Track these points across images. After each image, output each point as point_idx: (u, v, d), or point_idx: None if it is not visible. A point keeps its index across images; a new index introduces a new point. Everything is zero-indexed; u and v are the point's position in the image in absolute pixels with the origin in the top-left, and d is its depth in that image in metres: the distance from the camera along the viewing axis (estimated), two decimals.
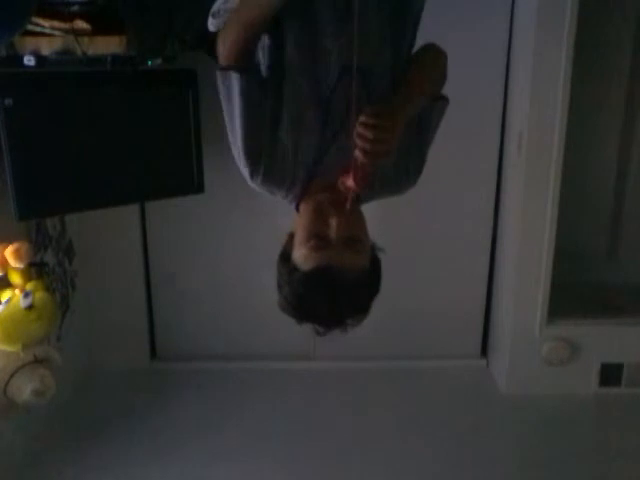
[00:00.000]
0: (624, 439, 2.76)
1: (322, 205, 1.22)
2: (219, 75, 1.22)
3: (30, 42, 2.24)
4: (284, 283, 1.22)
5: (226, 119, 1.27)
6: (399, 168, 1.34)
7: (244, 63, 1.21)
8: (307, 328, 1.25)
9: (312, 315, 1.21)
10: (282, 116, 1.24)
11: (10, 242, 2.13)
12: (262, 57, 1.25)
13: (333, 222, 1.17)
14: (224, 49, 1.20)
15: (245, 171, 1.28)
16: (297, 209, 1.30)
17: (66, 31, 2.21)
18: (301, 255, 1.19)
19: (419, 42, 1.36)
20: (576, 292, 3.15)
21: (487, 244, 3.28)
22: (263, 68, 1.25)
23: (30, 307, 2.06)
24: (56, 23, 2.20)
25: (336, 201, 1.21)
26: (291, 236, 1.25)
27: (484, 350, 3.43)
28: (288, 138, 1.25)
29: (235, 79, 1.20)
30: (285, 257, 1.24)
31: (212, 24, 1.61)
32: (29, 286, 2.16)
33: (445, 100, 1.36)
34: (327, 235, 1.17)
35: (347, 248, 1.17)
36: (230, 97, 1.23)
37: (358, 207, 1.29)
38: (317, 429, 2.82)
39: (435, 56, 1.35)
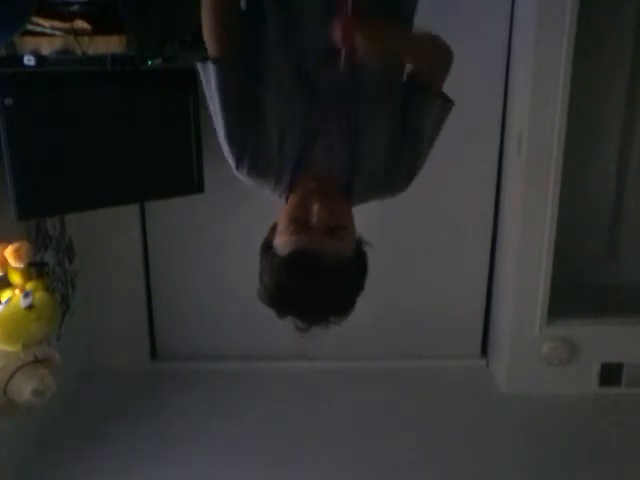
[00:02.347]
0: (624, 439, 2.76)
1: (306, 193, 1.20)
2: (200, 68, 1.22)
3: (30, 42, 2.24)
4: (264, 271, 1.20)
5: (211, 111, 1.27)
6: (389, 170, 1.31)
7: (226, 53, 1.20)
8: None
9: (291, 305, 1.17)
10: (266, 107, 1.23)
11: (10, 242, 2.13)
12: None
13: (315, 208, 1.15)
14: (206, 40, 1.21)
15: (231, 163, 1.28)
16: (286, 202, 1.29)
17: (66, 31, 2.22)
18: (281, 241, 1.17)
19: None
20: (576, 292, 3.15)
21: (487, 244, 3.28)
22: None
23: (30, 307, 2.06)
24: (56, 23, 2.20)
25: (320, 190, 1.19)
26: (274, 226, 1.23)
27: (484, 350, 3.43)
28: (273, 129, 1.24)
29: (213, 71, 1.20)
30: (266, 246, 1.22)
31: None
32: (29, 286, 2.15)
33: (446, 101, 1.30)
34: (308, 221, 1.15)
35: (328, 234, 1.14)
36: (210, 89, 1.23)
37: (344, 199, 1.26)
38: (317, 429, 2.81)
39: (437, 40, 1.27)
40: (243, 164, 1.27)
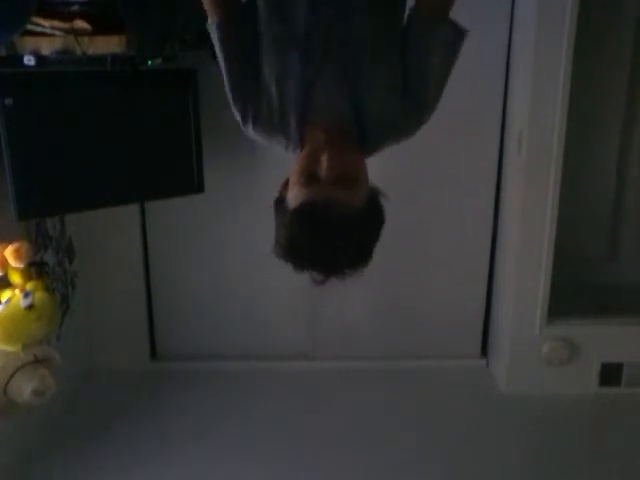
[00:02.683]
0: (624, 439, 2.76)
1: (315, 144, 1.19)
2: (207, 26, 1.29)
3: (30, 42, 2.24)
4: (277, 227, 1.21)
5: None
6: (398, 113, 1.26)
7: (224, 16, 1.25)
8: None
9: (305, 257, 1.16)
10: (262, 59, 1.26)
11: (10, 242, 2.13)
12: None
13: (323, 159, 1.15)
14: (205, 5, 1.26)
15: (238, 118, 1.31)
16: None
17: (66, 31, 2.22)
18: (292, 195, 1.17)
19: None
20: (576, 292, 3.14)
21: (487, 244, 3.28)
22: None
23: (30, 307, 2.06)
24: (56, 23, 2.20)
25: (329, 140, 1.18)
26: (286, 182, 1.23)
27: (484, 350, 3.43)
28: (271, 81, 1.25)
29: (213, 30, 1.27)
30: (279, 201, 1.22)
31: None
32: (29, 286, 2.15)
33: (456, 31, 1.27)
34: (317, 172, 1.15)
35: (337, 185, 1.14)
36: (215, 47, 1.29)
37: (355, 149, 1.24)
38: (317, 429, 2.81)
39: None
40: (247, 119, 1.29)
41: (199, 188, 2.68)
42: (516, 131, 2.96)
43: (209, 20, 1.28)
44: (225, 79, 1.30)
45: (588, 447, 2.75)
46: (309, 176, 1.15)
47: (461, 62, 1.34)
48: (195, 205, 2.89)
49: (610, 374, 3.08)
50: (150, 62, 2.49)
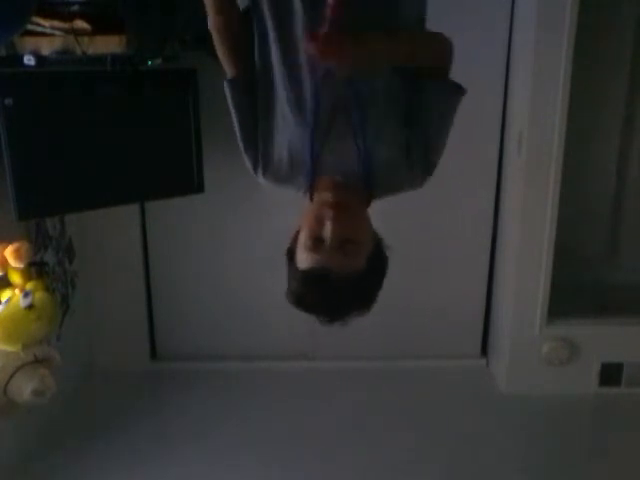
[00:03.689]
0: (624, 439, 2.76)
1: (322, 206, 1.25)
2: (225, 85, 1.34)
3: (30, 42, 2.24)
4: (289, 277, 1.31)
5: None
6: (405, 169, 1.33)
7: (238, 70, 1.30)
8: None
9: (311, 309, 1.29)
10: (274, 121, 1.30)
11: (10, 242, 2.13)
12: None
13: (328, 225, 1.22)
14: (222, 63, 1.32)
15: (249, 165, 1.36)
16: (311, 199, 1.33)
17: (66, 31, 2.22)
18: (300, 256, 1.26)
19: None
20: (576, 292, 3.15)
21: (487, 244, 3.28)
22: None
23: (30, 307, 2.06)
24: (56, 23, 2.20)
25: (335, 201, 1.24)
26: (297, 235, 1.29)
27: (484, 350, 3.43)
28: (282, 140, 1.31)
29: (226, 87, 1.33)
30: (290, 254, 1.30)
31: None
32: (29, 286, 2.15)
33: (457, 89, 1.32)
34: (322, 237, 1.22)
35: (340, 250, 1.22)
36: (228, 101, 1.34)
37: (362, 208, 1.31)
38: (317, 429, 2.82)
39: (434, 34, 1.29)
40: (258, 168, 1.35)
41: (199, 188, 2.68)
42: (516, 131, 2.96)
43: (227, 76, 1.32)
44: (237, 131, 1.35)
45: (588, 447, 2.75)
46: (316, 240, 1.23)
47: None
48: (195, 205, 2.89)
49: (610, 374, 3.08)
50: (150, 62, 2.49)
